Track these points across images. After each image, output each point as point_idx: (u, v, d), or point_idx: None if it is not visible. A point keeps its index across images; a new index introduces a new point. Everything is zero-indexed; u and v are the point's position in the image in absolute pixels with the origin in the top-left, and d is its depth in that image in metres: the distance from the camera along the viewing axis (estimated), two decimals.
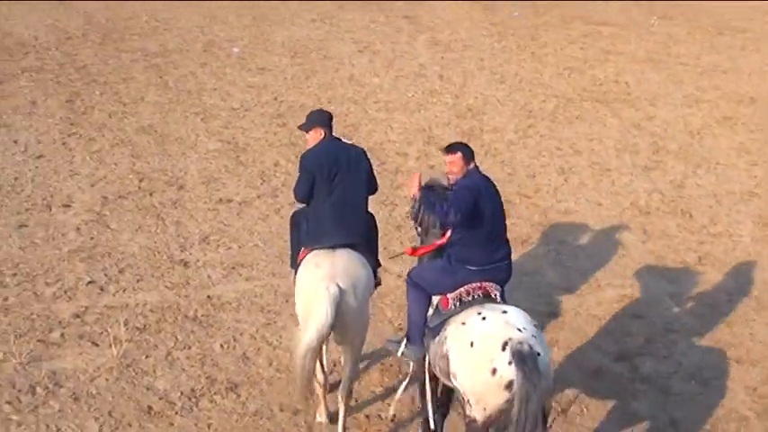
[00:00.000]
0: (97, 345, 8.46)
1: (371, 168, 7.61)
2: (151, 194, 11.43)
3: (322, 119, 7.67)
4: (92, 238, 10.32)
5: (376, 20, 19.37)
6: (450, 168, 6.98)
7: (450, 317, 6.71)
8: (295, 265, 7.55)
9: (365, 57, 16.94)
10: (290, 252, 7.91)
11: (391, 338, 7.78)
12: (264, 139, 13.17)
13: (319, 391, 7.58)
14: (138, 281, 9.56)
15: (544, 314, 9.25)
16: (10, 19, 18.76)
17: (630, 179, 12.37)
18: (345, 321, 6.97)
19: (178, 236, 10.49)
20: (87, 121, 13.56)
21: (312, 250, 7.31)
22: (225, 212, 11.06)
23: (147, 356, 8.37)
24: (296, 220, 7.72)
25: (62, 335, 8.58)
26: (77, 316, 8.88)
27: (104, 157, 12.41)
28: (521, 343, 6.09)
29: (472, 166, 6.93)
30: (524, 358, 6.01)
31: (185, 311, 9.08)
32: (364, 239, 7.45)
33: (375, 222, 7.73)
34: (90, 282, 9.47)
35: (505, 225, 7.02)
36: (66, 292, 9.27)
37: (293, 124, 12.29)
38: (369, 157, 7.65)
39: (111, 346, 8.39)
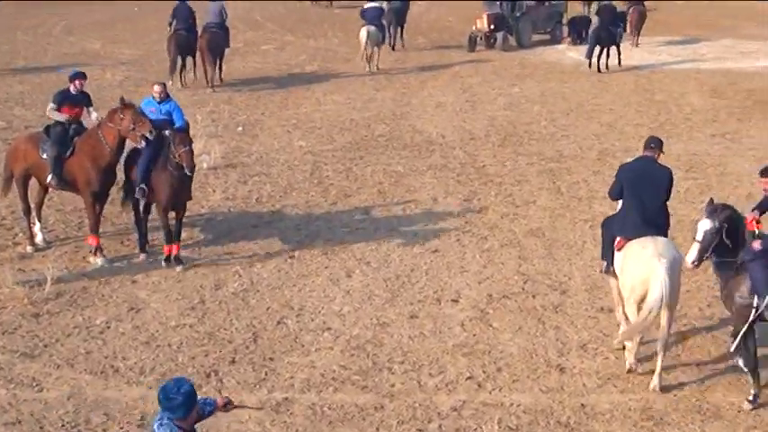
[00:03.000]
0: None
1: (671, 186, 9.93)
2: (534, 297, 11.79)
3: (648, 142, 10.16)
4: (474, 335, 10.82)
5: None
6: (764, 187, 9.78)
7: None
8: (608, 255, 10.16)
9: None
10: (601, 249, 10.54)
11: None
12: None
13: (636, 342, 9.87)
14: (513, 381, 9.87)
15: None
16: (423, 117, 20.28)
17: None
18: (672, 286, 9.35)
19: (557, 340, 10.72)
20: (481, 220, 14.29)
21: (629, 240, 9.67)
22: (605, 321, 11.13)
23: None
24: (608, 223, 10.31)
25: (440, 426, 9.04)
26: (455, 409, 9.32)
27: (493, 256, 13.00)
28: None
29: None
30: None
31: (558, 417, 9.22)
32: (663, 231, 9.83)
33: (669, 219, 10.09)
34: (469, 377, 9.92)
35: None
36: (447, 384, 9.78)
37: (682, 239, 12.17)
38: (672, 177, 9.94)
39: None
